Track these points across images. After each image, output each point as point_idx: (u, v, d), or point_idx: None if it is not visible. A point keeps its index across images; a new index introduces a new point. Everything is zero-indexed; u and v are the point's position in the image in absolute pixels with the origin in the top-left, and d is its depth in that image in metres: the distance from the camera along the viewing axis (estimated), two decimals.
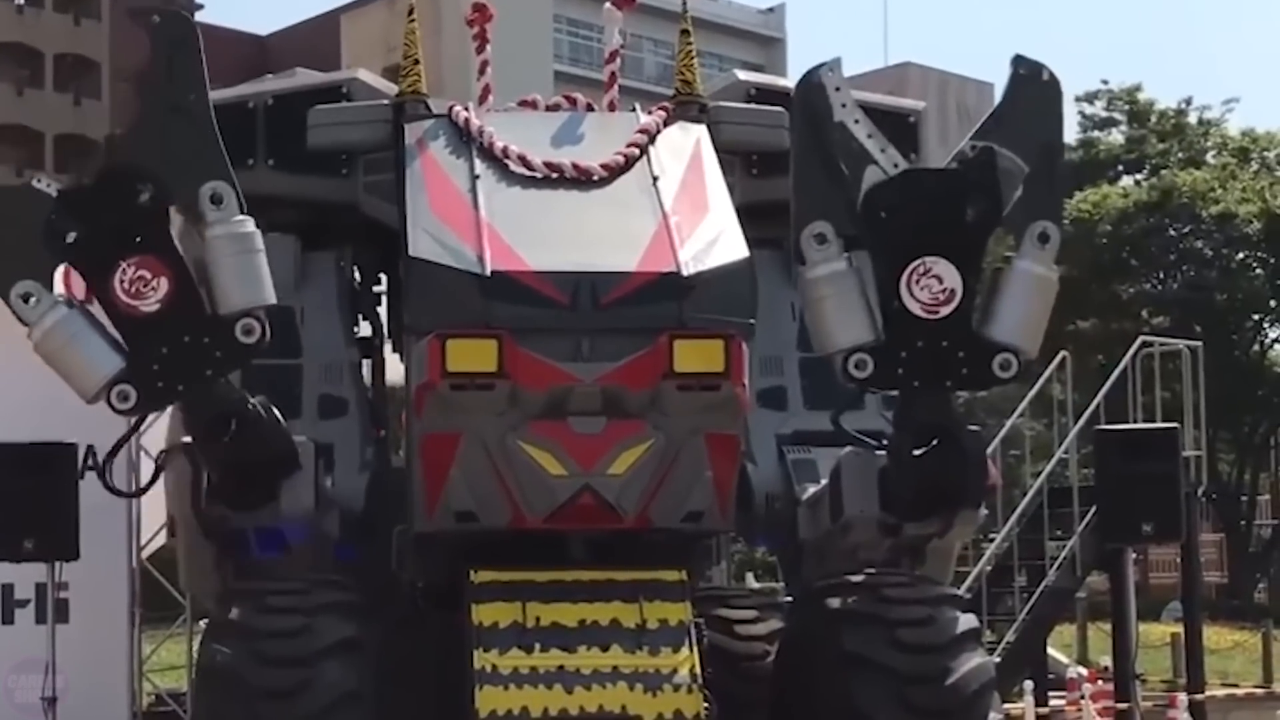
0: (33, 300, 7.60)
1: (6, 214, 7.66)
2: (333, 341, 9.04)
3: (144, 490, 8.25)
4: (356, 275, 9.77)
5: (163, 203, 7.60)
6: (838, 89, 7.92)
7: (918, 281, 7.76)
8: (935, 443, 7.89)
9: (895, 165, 7.90)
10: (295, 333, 9.01)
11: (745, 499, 8.81)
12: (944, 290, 7.77)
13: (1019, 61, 8.01)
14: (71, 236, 7.58)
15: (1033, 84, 8.01)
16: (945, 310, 7.78)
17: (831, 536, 8.53)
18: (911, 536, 8.34)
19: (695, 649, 7.56)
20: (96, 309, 7.80)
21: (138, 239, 7.55)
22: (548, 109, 9.12)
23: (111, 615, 12.91)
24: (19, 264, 7.62)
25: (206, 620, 8.39)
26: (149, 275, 7.53)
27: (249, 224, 7.70)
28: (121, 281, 7.54)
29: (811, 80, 7.94)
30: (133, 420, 8.09)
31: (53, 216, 7.57)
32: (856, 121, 7.92)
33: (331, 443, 8.54)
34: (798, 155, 7.96)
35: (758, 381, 9.03)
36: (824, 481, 8.66)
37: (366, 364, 9.66)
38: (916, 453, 7.92)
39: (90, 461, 12.86)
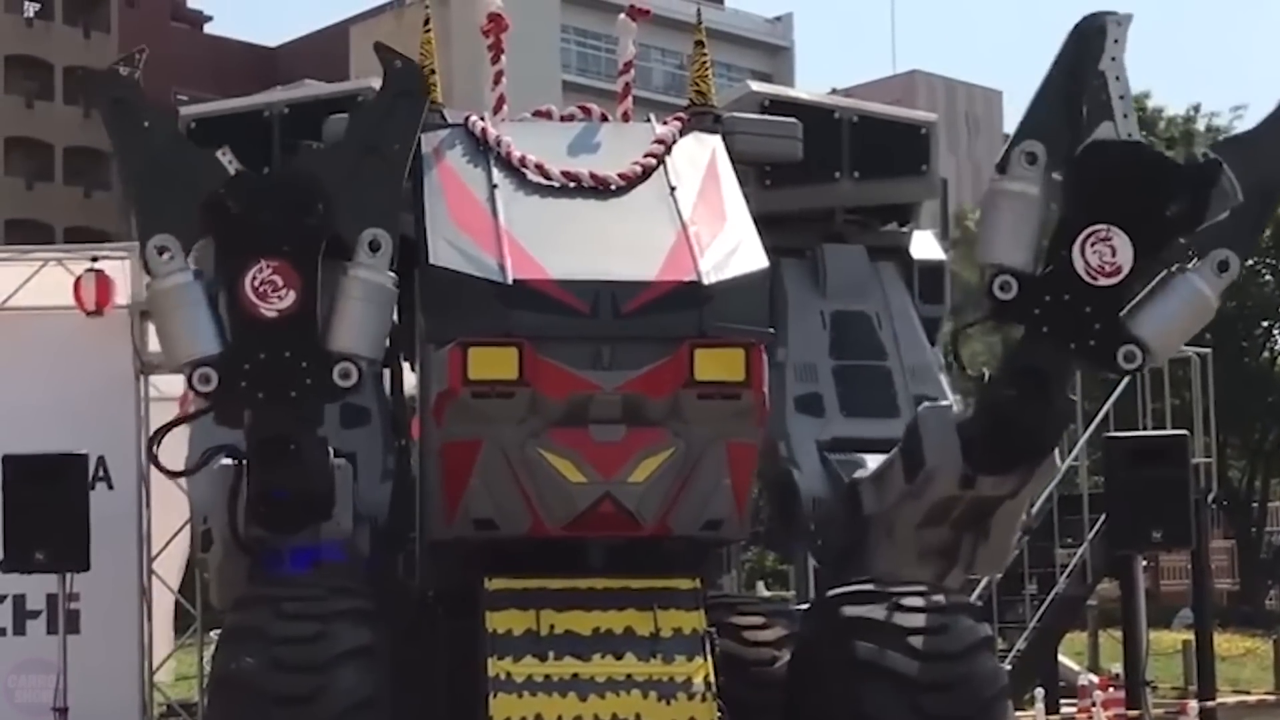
0: (166, 255, 7.61)
1: (182, 170, 7.69)
2: None
3: (193, 471, 8.27)
4: None
5: (326, 225, 7.63)
6: (1115, 41, 7.96)
7: (1093, 244, 7.76)
8: (1028, 389, 7.87)
9: (1129, 135, 7.93)
10: None
11: (790, 504, 8.83)
12: (1113, 263, 7.77)
13: None
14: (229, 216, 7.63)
15: None
16: (1105, 281, 7.76)
17: (903, 503, 8.44)
18: (984, 498, 8.29)
19: (709, 657, 7.55)
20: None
21: (286, 246, 7.58)
22: (562, 119, 9.11)
23: (123, 626, 12.97)
24: (170, 218, 7.65)
25: (220, 630, 8.39)
26: (280, 282, 7.55)
27: (392, 282, 7.75)
28: (254, 278, 7.55)
29: (1095, 22, 7.97)
30: (192, 408, 8.12)
31: (221, 190, 7.61)
32: (1117, 79, 7.94)
33: (354, 451, 8.54)
34: (1049, 77, 7.97)
35: (795, 388, 9.08)
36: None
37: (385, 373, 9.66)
38: (1009, 396, 7.91)
39: (100, 472, 12.93)
